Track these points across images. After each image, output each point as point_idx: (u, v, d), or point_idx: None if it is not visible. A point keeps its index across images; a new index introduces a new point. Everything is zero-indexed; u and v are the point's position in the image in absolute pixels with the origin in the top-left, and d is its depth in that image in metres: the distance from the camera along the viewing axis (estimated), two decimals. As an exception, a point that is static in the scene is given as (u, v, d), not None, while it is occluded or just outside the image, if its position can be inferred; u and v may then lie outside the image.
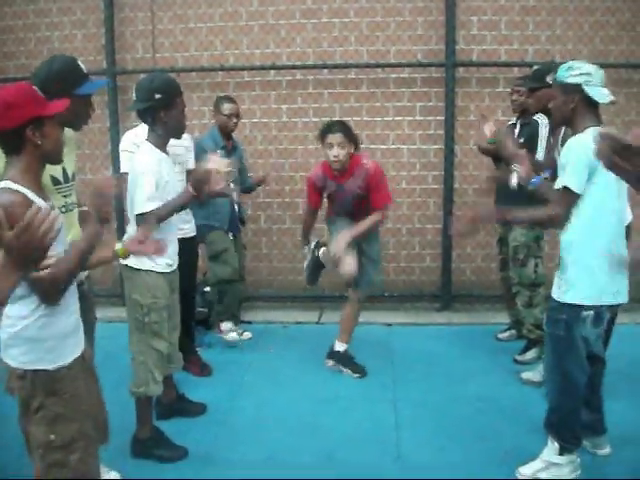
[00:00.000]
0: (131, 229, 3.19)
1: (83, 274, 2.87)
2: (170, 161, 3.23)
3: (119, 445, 3.21)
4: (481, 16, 5.26)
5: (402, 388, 4.05)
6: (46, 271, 1.71)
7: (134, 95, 3.15)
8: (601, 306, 2.83)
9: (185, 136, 4.02)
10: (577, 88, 2.76)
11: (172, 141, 3.33)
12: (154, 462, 3.21)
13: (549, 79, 3.60)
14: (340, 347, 4.26)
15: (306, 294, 5.51)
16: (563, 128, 3.46)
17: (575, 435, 2.97)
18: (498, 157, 4.38)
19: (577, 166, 2.72)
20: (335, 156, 3.84)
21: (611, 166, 1.53)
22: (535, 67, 3.81)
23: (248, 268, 5.51)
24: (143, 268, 3.11)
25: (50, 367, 2.12)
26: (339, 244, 3.85)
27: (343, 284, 4.14)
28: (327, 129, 3.91)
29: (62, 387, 2.14)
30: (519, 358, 4.35)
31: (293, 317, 5.39)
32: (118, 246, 2.52)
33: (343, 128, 3.89)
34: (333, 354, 4.30)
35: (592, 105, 2.80)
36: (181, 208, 3.18)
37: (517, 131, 4.31)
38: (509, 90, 4.48)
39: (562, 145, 3.35)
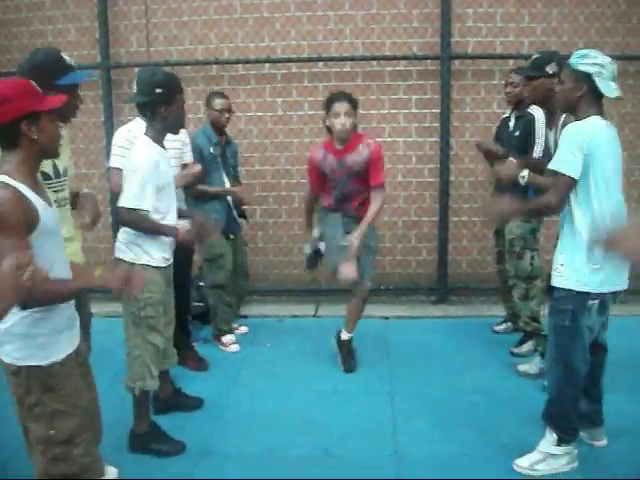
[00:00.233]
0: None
1: None
2: (167, 156, 3.21)
3: (116, 440, 3.22)
4: (476, 8, 5.24)
5: (399, 381, 4.05)
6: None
7: (135, 87, 3.13)
8: (606, 293, 2.84)
9: (182, 130, 4.02)
10: (587, 77, 2.76)
11: (169, 136, 3.32)
12: (151, 457, 3.22)
13: (548, 69, 3.58)
14: (346, 336, 4.29)
15: (302, 288, 5.50)
16: (562, 117, 3.44)
17: (573, 426, 2.99)
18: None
19: (570, 150, 2.72)
20: (342, 124, 3.82)
21: None
22: (535, 55, 3.78)
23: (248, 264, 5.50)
24: (139, 262, 3.10)
25: (43, 363, 2.11)
26: (353, 248, 3.86)
27: (342, 284, 4.13)
28: (334, 98, 3.90)
29: (57, 383, 2.14)
30: (515, 350, 4.36)
31: (289, 311, 5.38)
32: (98, 272, 2.47)
33: (350, 98, 3.89)
34: (339, 339, 4.32)
35: (597, 96, 2.80)
36: (159, 234, 3.14)
37: (512, 124, 4.30)
38: (504, 82, 4.47)
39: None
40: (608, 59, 2.79)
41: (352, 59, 5.33)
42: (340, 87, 5.22)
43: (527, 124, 4.06)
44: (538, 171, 3.64)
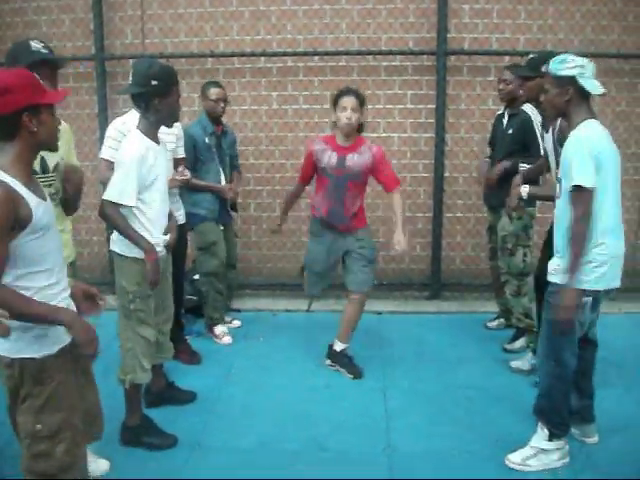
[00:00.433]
0: None
1: (69, 258, 2.86)
2: (160, 150, 3.18)
3: (108, 433, 3.18)
4: (473, 4, 5.22)
5: (391, 376, 4.06)
6: None
7: (130, 78, 3.11)
8: (599, 291, 2.85)
9: (175, 124, 4.00)
10: (571, 80, 2.78)
11: (162, 129, 3.31)
12: (143, 450, 3.21)
13: (544, 69, 3.57)
14: (340, 347, 4.17)
15: (295, 282, 5.49)
16: (559, 119, 3.44)
17: (564, 421, 3.01)
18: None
19: (584, 162, 2.72)
20: (348, 118, 3.79)
21: None
22: (531, 55, 3.78)
23: (237, 256, 5.49)
24: (129, 255, 3.10)
25: (36, 355, 2.11)
26: (401, 243, 3.87)
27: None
28: (342, 92, 3.89)
29: (48, 376, 2.13)
30: (508, 347, 4.38)
31: (282, 305, 5.38)
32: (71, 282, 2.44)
33: (358, 94, 3.87)
34: (332, 354, 4.21)
35: (585, 97, 2.83)
36: (128, 239, 3.06)
37: (505, 121, 4.30)
38: (497, 79, 4.46)
39: (559, 137, 3.38)
40: (585, 59, 2.82)
41: (348, 53, 5.31)
42: (335, 82, 5.24)
43: (522, 123, 4.06)
44: (538, 175, 3.68)
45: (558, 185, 2.93)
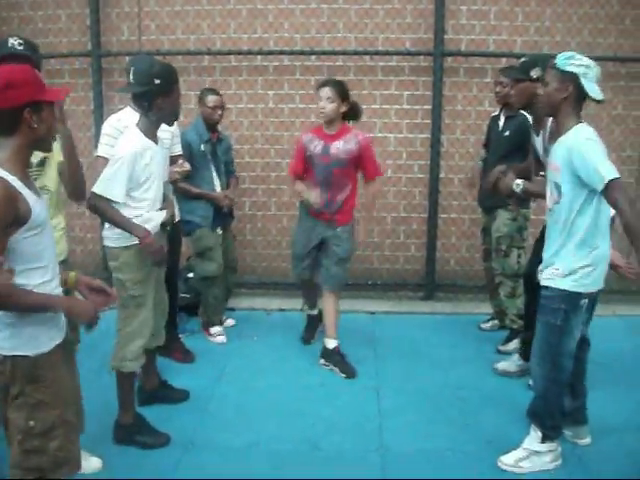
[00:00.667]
0: None
1: (61, 256, 2.85)
2: (157, 150, 3.17)
3: (101, 431, 3.21)
4: (470, 5, 5.23)
5: (385, 376, 4.06)
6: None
7: (131, 78, 3.10)
8: (595, 292, 2.86)
9: (173, 122, 4.00)
10: (574, 78, 2.76)
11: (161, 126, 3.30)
12: (136, 448, 3.21)
13: (532, 73, 3.58)
14: (331, 344, 4.20)
15: (290, 281, 5.49)
16: (549, 121, 3.44)
17: (556, 423, 3.03)
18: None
19: (602, 157, 2.70)
20: (322, 108, 3.99)
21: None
22: (523, 59, 3.79)
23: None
24: (117, 245, 3.11)
25: (30, 353, 2.10)
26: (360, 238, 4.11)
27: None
28: (320, 84, 4.09)
29: (43, 374, 2.12)
30: (502, 348, 4.38)
31: (277, 304, 5.37)
32: (72, 275, 2.44)
33: (334, 84, 4.04)
34: (325, 353, 4.23)
35: (581, 99, 2.80)
36: (123, 229, 3.08)
37: (501, 123, 4.31)
38: (494, 81, 4.47)
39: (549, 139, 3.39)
40: (592, 61, 2.79)
41: (345, 53, 5.30)
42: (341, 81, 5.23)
43: (521, 126, 4.06)
44: (526, 174, 3.68)
45: (555, 191, 2.88)
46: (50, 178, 2.89)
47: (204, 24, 5.41)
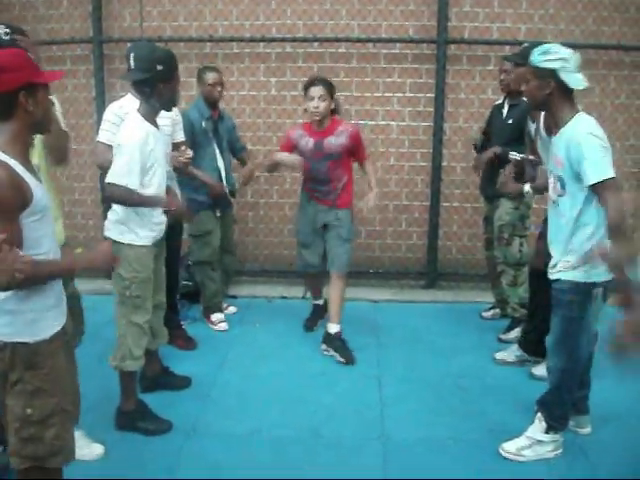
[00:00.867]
0: (115, 205, 3.15)
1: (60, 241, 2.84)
2: (159, 135, 3.18)
3: (103, 418, 3.23)
4: (474, -7, 5.20)
5: (387, 364, 4.07)
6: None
7: (132, 64, 3.08)
8: (608, 281, 2.84)
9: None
10: (552, 73, 2.72)
11: (160, 113, 3.29)
12: (138, 435, 3.21)
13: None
14: (333, 329, 4.22)
15: (292, 269, 5.49)
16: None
17: (565, 415, 3.03)
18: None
19: (600, 155, 2.66)
20: (315, 107, 4.00)
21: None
22: (525, 44, 3.78)
23: (235, 242, 5.48)
24: (125, 242, 3.10)
25: (30, 340, 2.09)
26: (371, 203, 4.25)
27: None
28: (309, 82, 4.09)
29: (42, 361, 2.12)
30: (503, 337, 4.39)
31: (278, 292, 5.38)
32: (77, 252, 2.45)
33: (325, 83, 4.07)
34: (326, 338, 4.25)
35: (568, 91, 2.76)
36: (144, 206, 3.13)
37: (505, 111, 4.29)
38: (499, 69, 4.45)
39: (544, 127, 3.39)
40: (569, 51, 2.74)
41: (347, 40, 5.28)
42: (335, 68, 5.22)
43: (523, 112, 4.03)
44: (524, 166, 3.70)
45: (559, 183, 2.86)
46: (35, 154, 2.85)
47: (206, 10, 5.38)
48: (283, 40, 5.31)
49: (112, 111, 3.68)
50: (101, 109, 5.00)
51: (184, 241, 4.50)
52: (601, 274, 2.79)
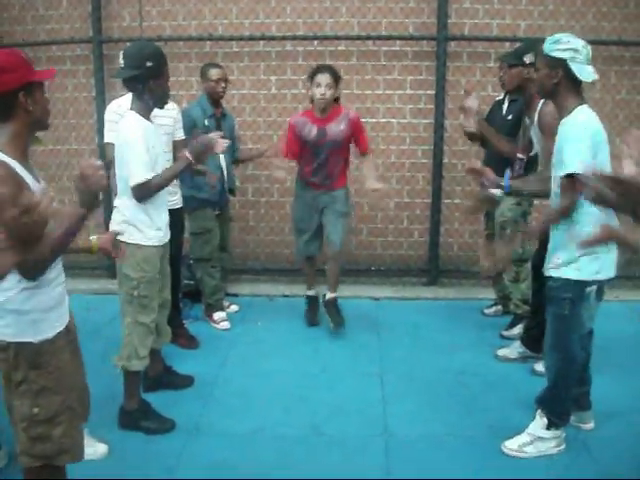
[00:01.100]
0: (119, 202, 3.16)
1: None
2: (156, 130, 3.20)
3: (106, 417, 3.23)
4: (474, -11, 5.20)
5: (388, 362, 4.07)
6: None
7: (122, 62, 3.09)
8: (602, 280, 2.85)
9: (173, 106, 3.99)
10: (562, 63, 2.72)
11: (160, 112, 3.30)
12: (141, 434, 3.22)
13: (526, 59, 3.57)
14: (330, 295, 4.54)
15: (293, 267, 5.50)
16: (540, 105, 3.46)
17: (565, 411, 3.03)
18: (485, 140, 4.38)
19: (580, 150, 2.67)
20: (322, 94, 4.12)
21: (604, 205, 1.55)
22: (519, 45, 3.82)
23: (235, 240, 5.49)
24: (133, 242, 3.09)
25: (34, 340, 2.10)
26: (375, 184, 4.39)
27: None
28: (316, 70, 4.20)
29: (46, 360, 2.13)
30: (505, 333, 4.39)
31: (280, 290, 5.38)
32: (93, 238, 2.45)
33: (332, 71, 4.20)
34: (324, 302, 4.58)
35: (576, 82, 2.76)
36: (176, 176, 3.22)
37: (505, 107, 4.29)
38: (498, 66, 4.44)
39: (539, 124, 3.39)
40: (582, 42, 2.75)
41: (347, 38, 5.27)
42: (334, 66, 5.19)
43: (522, 108, 4.05)
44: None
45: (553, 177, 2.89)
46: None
47: (206, 9, 5.38)
48: (283, 38, 5.31)
49: (112, 110, 3.72)
50: (101, 109, 5.01)
51: (185, 239, 4.50)
52: (596, 273, 2.80)
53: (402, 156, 5.48)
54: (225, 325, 4.62)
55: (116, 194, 3.22)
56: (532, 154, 3.86)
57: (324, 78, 4.12)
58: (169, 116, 3.87)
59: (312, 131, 4.22)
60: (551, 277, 2.92)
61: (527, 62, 3.56)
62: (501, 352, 4.09)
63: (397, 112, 5.43)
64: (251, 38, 5.31)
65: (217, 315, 4.65)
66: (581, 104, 2.78)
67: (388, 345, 4.32)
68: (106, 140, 3.75)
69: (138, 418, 3.26)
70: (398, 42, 5.30)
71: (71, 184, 5.65)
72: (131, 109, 3.11)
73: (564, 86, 2.76)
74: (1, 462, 2.88)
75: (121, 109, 3.54)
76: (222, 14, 5.37)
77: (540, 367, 3.71)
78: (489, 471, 2.92)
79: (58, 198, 5.55)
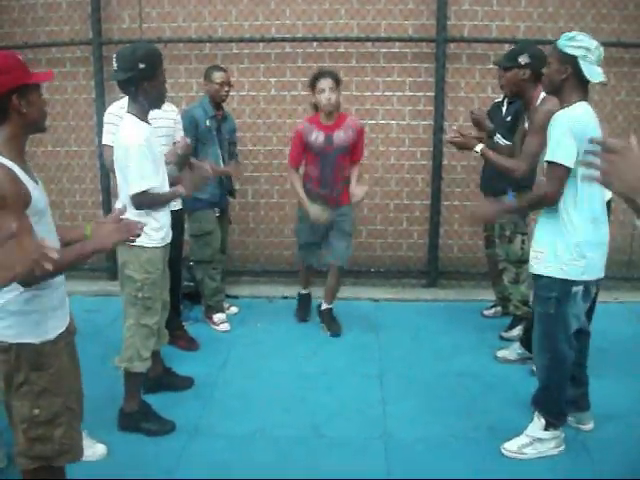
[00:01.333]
0: (119, 204, 3.16)
1: None
2: (154, 132, 3.20)
3: (106, 418, 3.23)
4: (473, -9, 5.20)
5: (388, 363, 4.08)
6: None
7: (115, 65, 3.08)
8: (589, 281, 2.86)
9: (173, 108, 4.00)
10: (572, 60, 2.74)
11: (159, 113, 3.31)
12: (141, 435, 3.22)
13: (521, 60, 3.59)
14: (325, 306, 4.59)
15: (292, 269, 5.50)
16: (538, 103, 3.49)
17: (562, 411, 3.03)
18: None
19: (562, 138, 2.71)
20: (327, 99, 4.10)
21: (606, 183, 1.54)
22: (512, 47, 3.83)
23: (235, 242, 5.49)
24: (137, 244, 3.09)
25: (36, 341, 2.10)
26: (361, 191, 4.31)
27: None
28: (318, 75, 4.18)
29: (47, 362, 2.13)
30: (505, 335, 4.39)
31: (279, 292, 5.38)
32: (87, 229, 2.45)
33: (332, 75, 4.18)
34: (319, 312, 4.64)
35: (583, 81, 2.78)
36: (167, 203, 3.22)
37: (504, 109, 4.31)
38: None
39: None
40: (595, 43, 2.76)
41: (347, 40, 5.28)
42: (334, 68, 5.19)
43: (518, 110, 4.07)
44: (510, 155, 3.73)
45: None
46: None
47: (205, 11, 5.38)
48: (282, 40, 5.31)
49: (112, 112, 3.71)
50: (101, 111, 5.00)
51: (185, 242, 4.50)
52: (579, 272, 2.81)
53: (401, 158, 5.48)
54: (225, 327, 4.62)
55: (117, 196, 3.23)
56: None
57: (327, 83, 4.10)
58: (169, 118, 3.88)
59: (319, 138, 4.20)
60: (537, 276, 2.94)
61: (522, 63, 3.58)
62: (501, 353, 4.10)
63: (396, 114, 5.43)
64: (251, 40, 5.31)
65: (217, 317, 4.65)
66: (581, 100, 2.80)
67: (388, 346, 4.32)
68: (104, 142, 3.73)
69: (138, 420, 3.26)
70: (397, 44, 5.30)
71: (70, 186, 5.68)
72: (128, 112, 3.11)
73: (571, 83, 2.78)
74: (1, 463, 2.88)
75: (122, 111, 3.53)
76: (222, 16, 5.37)
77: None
78: (489, 472, 2.92)
79: (57, 200, 5.56)
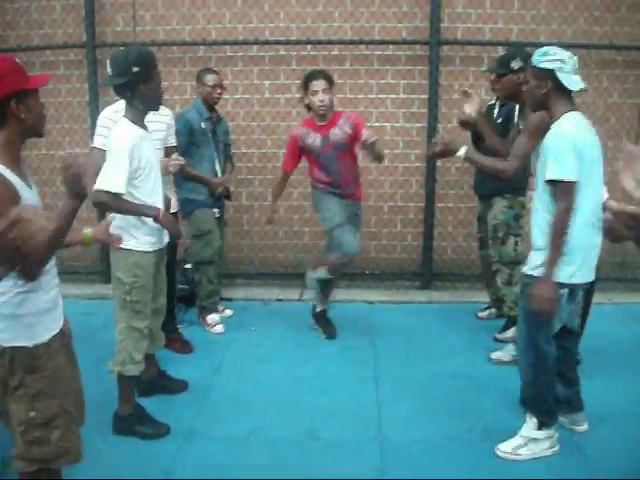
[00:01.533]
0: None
1: None
2: (149, 137, 3.19)
3: (101, 421, 3.22)
4: (466, -6, 5.22)
5: (383, 365, 4.08)
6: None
7: (109, 70, 3.08)
8: (577, 284, 2.88)
9: (167, 112, 3.99)
10: (549, 74, 2.80)
11: (153, 117, 3.30)
12: (136, 439, 3.22)
13: (513, 65, 3.60)
14: (318, 308, 4.60)
15: (287, 271, 5.51)
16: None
17: (551, 409, 3.04)
18: (477, 134, 4.39)
19: (563, 155, 2.74)
20: (321, 100, 4.07)
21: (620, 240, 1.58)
22: (502, 53, 3.84)
23: (229, 245, 5.49)
24: (125, 247, 3.10)
25: (29, 344, 2.10)
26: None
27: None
28: (310, 77, 4.13)
29: (42, 364, 2.13)
30: (499, 336, 4.40)
31: (274, 294, 5.38)
32: (87, 231, 2.46)
33: (325, 75, 4.14)
34: (314, 314, 4.63)
35: (565, 91, 2.84)
36: (138, 215, 3.14)
37: (496, 111, 4.32)
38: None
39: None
40: (568, 53, 2.84)
41: (341, 42, 5.29)
42: (327, 70, 5.20)
43: (509, 113, 4.09)
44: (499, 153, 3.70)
45: (536, 178, 2.94)
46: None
47: (199, 14, 5.39)
48: (276, 43, 5.33)
49: (106, 116, 3.68)
50: (95, 114, 5.00)
51: (181, 244, 4.50)
52: (567, 276, 2.83)
53: (395, 160, 5.49)
54: (219, 329, 4.62)
55: None
56: None
57: (319, 84, 4.06)
58: (162, 122, 3.87)
59: (316, 140, 4.19)
60: (527, 275, 2.97)
61: (515, 68, 3.61)
62: (495, 355, 4.11)
63: (390, 116, 5.44)
64: (245, 42, 5.32)
65: (211, 318, 4.65)
66: (570, 110, 2.84)
67: (382, 349, 4.33)
68: (94, 145, 3.70)
69: (133, 423, 3.25)
70: (391, 46, 5.32)
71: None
72: (124, 116, 3.11)
73: (553, 95, 2.83)
74: None
75: (117, 115, 3.53)
76: (216, 19, 5.38)
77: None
78: (483, 473, 2.92)
79: (52, 203, 5.54)
